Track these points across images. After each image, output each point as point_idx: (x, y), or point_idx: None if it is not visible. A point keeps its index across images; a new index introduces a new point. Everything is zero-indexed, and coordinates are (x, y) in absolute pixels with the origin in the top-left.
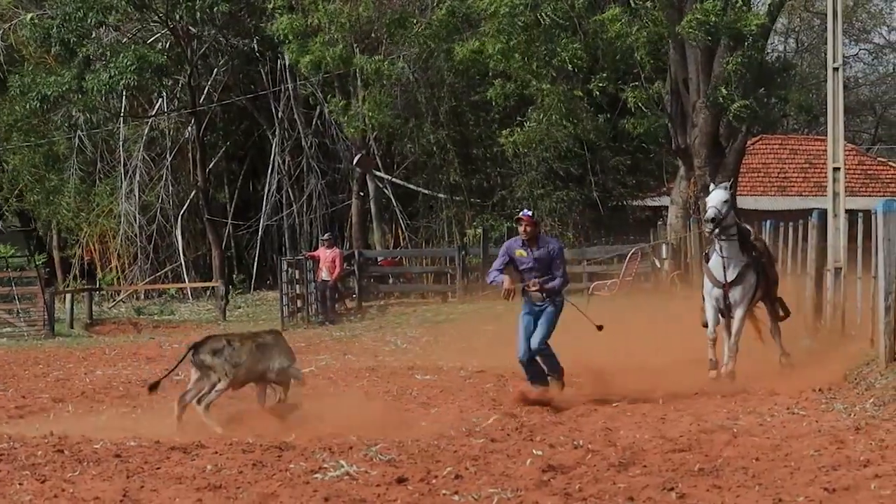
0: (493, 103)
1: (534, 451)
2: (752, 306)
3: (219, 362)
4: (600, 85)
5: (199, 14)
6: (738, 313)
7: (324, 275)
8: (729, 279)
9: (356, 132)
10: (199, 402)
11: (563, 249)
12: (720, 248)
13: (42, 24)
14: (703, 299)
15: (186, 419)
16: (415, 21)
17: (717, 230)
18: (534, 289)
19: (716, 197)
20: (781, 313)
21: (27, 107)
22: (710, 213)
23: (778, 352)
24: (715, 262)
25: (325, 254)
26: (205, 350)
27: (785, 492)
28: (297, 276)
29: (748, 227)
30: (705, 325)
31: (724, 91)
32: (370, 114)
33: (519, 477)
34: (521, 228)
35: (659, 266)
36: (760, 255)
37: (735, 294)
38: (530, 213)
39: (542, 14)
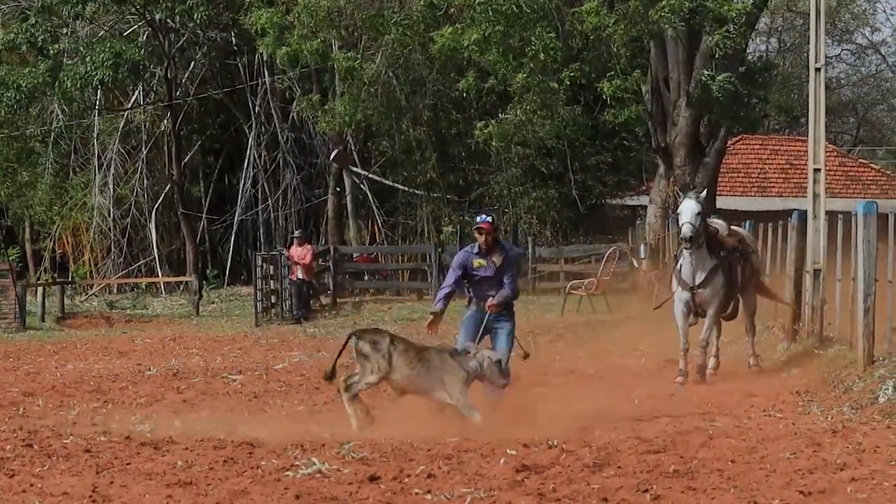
0: (465, 94)
1: (508, 451)
2: (726, 305)
3: (375, 356)
4: (570, 75)
5: (178, 17)
6: (709, 312)
7: (298, 273)
8: (697, 282)
9: (329, 127)
10: (347, 388)
11: (521, 256)
12: (688, 254)
13: (6, 36)
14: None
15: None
16: (393, 12)
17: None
18: (495, 311)
19: (689, 210)
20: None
21: (3, 101)
22: (687, 231)
23: (749, 352)
24: (684, 266)
25: (297, 251)
26: (365, 339)
27: (760, 494)
28: (271, 272)
29: (720, 222)
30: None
31: (706, 73)
32: (343, 109)
33: (492, 476)
34: (481, 238)
35: (637, 266)
36: (731, 252)
37: (704, 296)
38: (489, 218)
39: (516, 3)
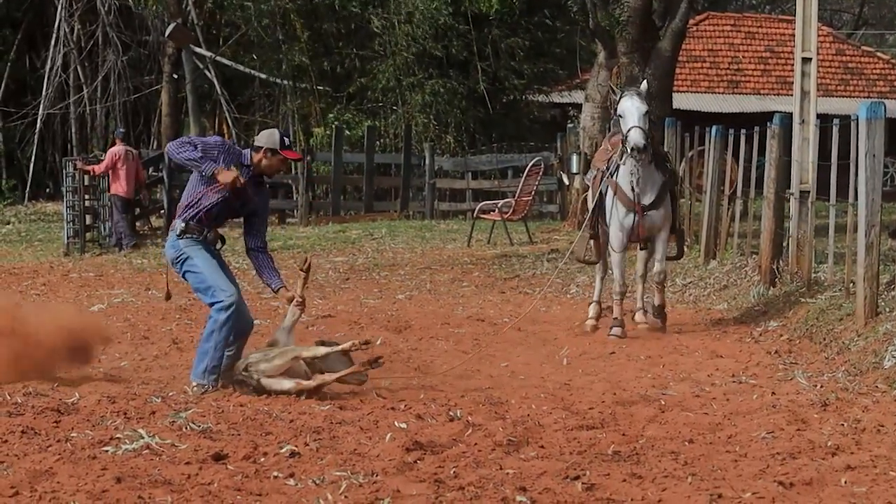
0: None
1: (395, 424)
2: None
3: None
4: None
5: None
6: (660, 245)
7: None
8: (646, 202)
9: None
10: None
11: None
12: (633, 165)
13: None
14: (593, 228)
15: None
16: None
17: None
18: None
19: (635, 112)
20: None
21: None
22: (639, 138)
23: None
24: (625, 181)
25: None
26: None
27: (726, 485)
28: (86, 183)
29: None
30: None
31: None
32: None
33: (375, 457)
34: (272, 163)
35: (567, 183)
36: (672, 173)
37: (655, 218)
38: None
39: None
